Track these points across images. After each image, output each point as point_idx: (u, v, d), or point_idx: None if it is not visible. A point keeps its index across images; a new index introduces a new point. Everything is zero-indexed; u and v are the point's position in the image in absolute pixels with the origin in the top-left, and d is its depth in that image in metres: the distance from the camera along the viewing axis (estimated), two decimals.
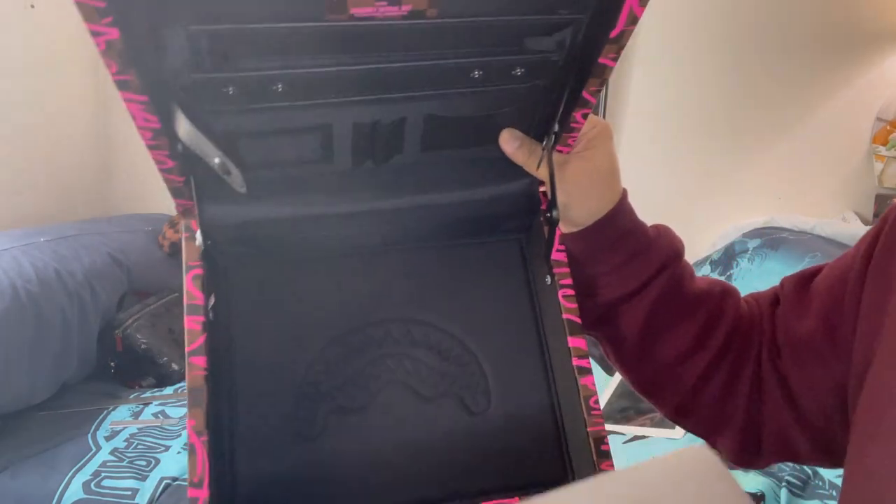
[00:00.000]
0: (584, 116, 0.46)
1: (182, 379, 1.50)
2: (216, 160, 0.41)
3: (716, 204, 2.04)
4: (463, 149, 0.50)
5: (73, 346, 1.39)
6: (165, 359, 1.51)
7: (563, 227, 0.51)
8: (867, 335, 0.44)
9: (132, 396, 1.40)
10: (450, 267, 0.53)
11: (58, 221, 1.80)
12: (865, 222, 1.96)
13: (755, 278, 1.62)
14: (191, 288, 0.44)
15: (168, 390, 1.45)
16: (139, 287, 1.69)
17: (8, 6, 1.71)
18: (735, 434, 0.54)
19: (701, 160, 2.03)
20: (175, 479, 1.09)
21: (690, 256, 2.15)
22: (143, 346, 1.50)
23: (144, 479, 1.08)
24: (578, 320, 0.48)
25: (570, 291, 0.49)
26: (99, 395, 1.42)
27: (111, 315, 1.54)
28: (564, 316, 0.48)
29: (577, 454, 0.48)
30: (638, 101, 2.00)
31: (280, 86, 0.40)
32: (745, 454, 0.55)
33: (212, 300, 0.45)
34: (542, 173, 0.49)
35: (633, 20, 0.39)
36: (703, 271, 1.79)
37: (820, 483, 1.04)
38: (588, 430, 0.46)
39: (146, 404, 1.35)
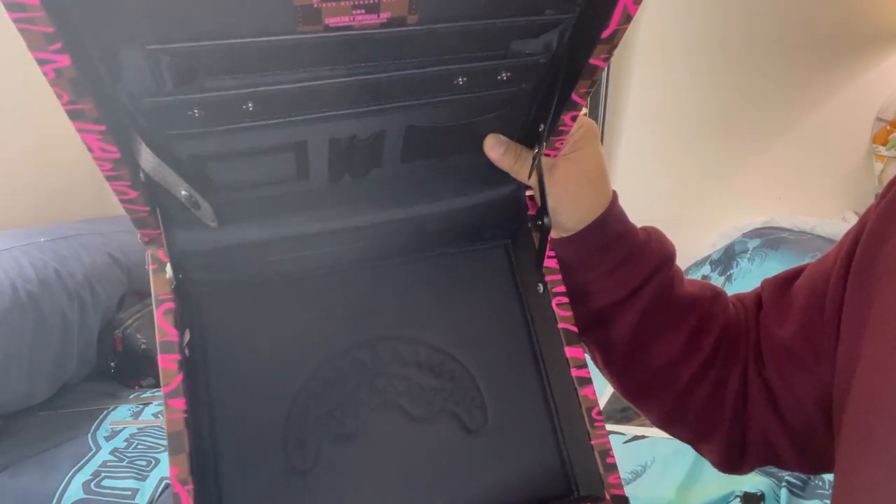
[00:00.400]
0: (573, 119, 0.45)
1: None
2: (183, 192, 0.39)
3: (716, 204, 2.04)
4: (444, 158, 0.48)
5: (73, 346, 1.39)
6: None
7: (553, 233, 0.50)
8: (851, 338, 0.43)
9: (132, 396, 1.40)
10: (434, 279, 0.51)
11: (58, 221, 1.80)
12: None
13: (755, 278, 1.62)
14: (163, 324, 0.41)
15: None
16: (139, 287, 1.68)
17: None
18: (721, 440, 0.54)
19: (701, 160, 2.03)
20: None
21: (690, 256, 2.15)
22: (143, 346, 1.50)
23: (144, 479, 1.08)
24: (575, 329, 0.47)
25: (564, 299, 0.48)
26: (99, 395, 1.42)
27: (111, 315, 1.54)
28: (560, 325, 0.47)
29: (582, 468, 0.46)
30: (637, 101, 2.00)
31: (250, 105, 0.37)
32: (730, 460, 0.55)
33: (186, 336, 0.42)
34: (530, 178, 0.48)
35: (627, 19, 0.37)
36: (703, 271, 1.79)
37: (820, 483, 1.04)
38: (592, 443, 0.44)
39: (146, 404, 1.35)
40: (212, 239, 0.43)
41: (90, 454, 1.15)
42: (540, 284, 0.49)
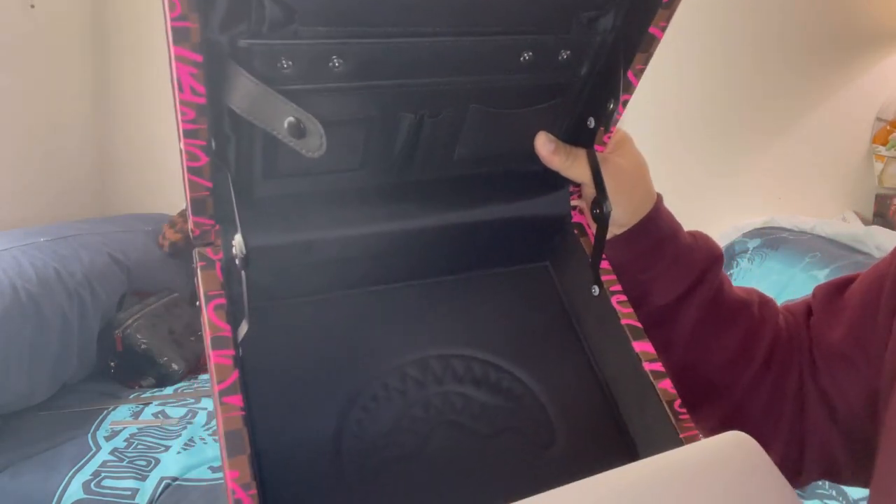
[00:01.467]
0: (624, 105, 0.45)
1: (181, 379, 1.51)
2: (289, 119, 0.35)
3: (716, 204, 2.04)
4: (495, 162, 0.49)
5: (73, 346, 1.39)
6: (165, 359, 1.51)
7: (591, 223, 0.49)
8: None
9: (132, 396, 1.40)
10: (480, 297, 0.50)
11: (58, 221, 1.80)
12: (865, 222, 1.96)
13: (755, 278, 1.62)
14: (215, 319, 0.38)
15: (168, 390, 1.45)
16: (139, 287, 1.68)
17: (8, 6, 1.71)
18: (778, 450, 0.52)
19: (701, 160, 2.03)
20: (175, 479, 1.09)
21: None
22: (143, 346, 1.50)
23: (144, 479, 1.08)
24: (639, 324, 0.45)
25: (623, 297, 0.47)
26: (99, 395, 1.42)
27: (111, 315, 1.54)
28: (623, 322, 0.45)
29: None
30: (637, 101, 2.00)
31: (336, 61, 0.37)
32: (786, 471, 0.54)
33: (243, 329, 0.39)
34: (580, 175, 0.48)
35: None
36: None
37: (820, 482, 1.04)
38: (682, 437, 0.41)
39: (146, 404, 1.35)
40: (262, 237, 0.42)
41: (90, 454, 1.15)
42: (595, 286, 0.48)
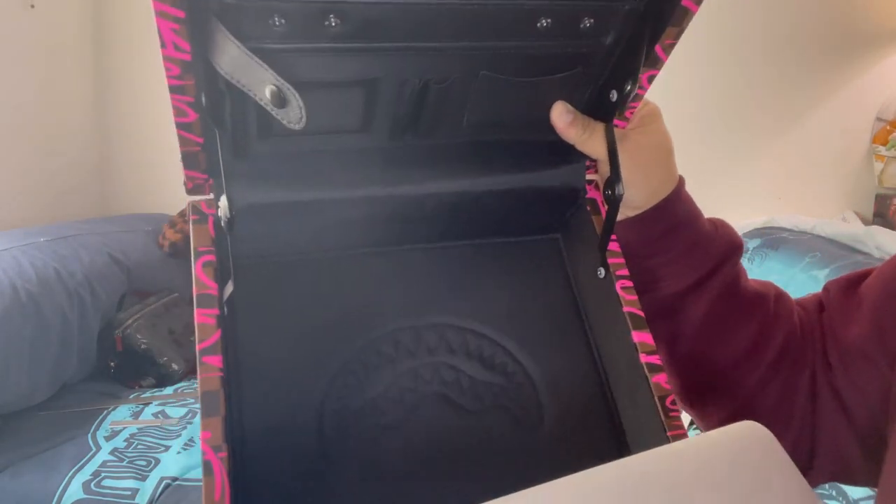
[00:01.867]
0: (650, 80, 0.42)
1: (181, 379, 1.51)
2: (270, 88, 0.33)
3: (716, 204, 2.04)
4: (506, 129, 0.45)
5: (73, 346, 1.39)
6: (165, 359, 1.51)
7: (620, 212, 0.47)
8: None
9: (132, 396, 1.40)
10: (484, 268, 0.47)
11: (58, 221, 1.80)
12: (865, 222, 1.96)
13: (755, 278, 1.62)
14: (202, 276, 0.38)
15: (168, 390, 1.45)
16: (139, 287, 1.68)
17: (8, 6, 1.71)
18: (787, 448, 0.51)
19: (701, 160, 2.03)
20: (175, 479, 1.09)
21: None
22: (143, 346, 1.50)
23: (144, 479, 1.08)
24: (641, 313, 0.43)
25: (629, 283, 0.45)
26: (99, 395, 1.42)
27: (111, 315, 1.54)
28: (625, 309, 0.44)
29: None
30: None
31: (333, 19, 0.34)
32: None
33: (228, 289, 0.38)
34: (596, 150, 0.44)
35: None
36: None
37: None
38: (669, 434, 0.40)
39: (146, 404, 1.35)
40: (259, 194, 0.40)
41: (90, 454, 1.15)
42: (601, 268, 0.46)
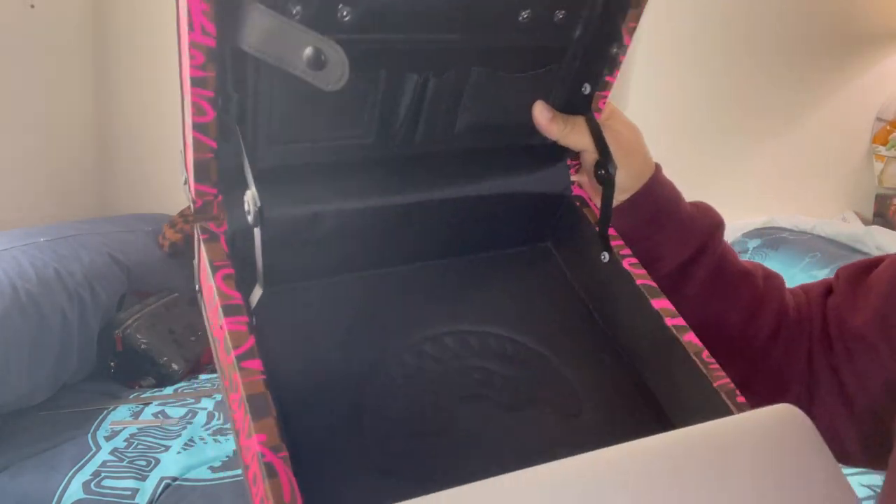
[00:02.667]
0: (617, 67, 0.46)
1: (181, 379, 1.51)
2: (308, 51, 0.33)
3: (716, 204, 2.03)
4: (495, 132, 0.49)
5: (73, 346, 1.39)
6: (165, 359, 1.51)
7: (594, 196, 0.50)
8: None
9: (132, 396, 1.40)
10: (486, 278, 0.50)
11: (57, 221, 1.80)
12: (865, 222, 1.96)
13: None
14: (224, 288, 0.37)
15: (168, 390, 1.45)
16: (139, 287, 1.68)
17: (8, 6, 1.71)
18: None
19: (701, 160, 2.03)
20: (175, 479, 1.09)
21: None
22: (143, 346, 1.50)
23: (144, 479, 1.08)
24: (654, 284, 0.45)
25: (634, 259, 0.46)
26: (99, 395, 1.42)
27: (111, 315, 1.54)
28: (639, 283, 0.45)
29: (698, 417, 0.40)
30: (637, 101, 2.00)
31: (345, 11, 0.36)
32: None
33: (257, 293, 0.37)
34: (580, 142, 0.48)
35: None
36: None
37: None
38: (715, 385, 0.40)
39: (146, 404, 1.35)
40: (272, 209, 0.40)
41: (90, 454, 1.15)
42: (604, 253, 0.48)
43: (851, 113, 1.96)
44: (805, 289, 0.56)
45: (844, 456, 0.52)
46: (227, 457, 1.15)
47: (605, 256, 0.47)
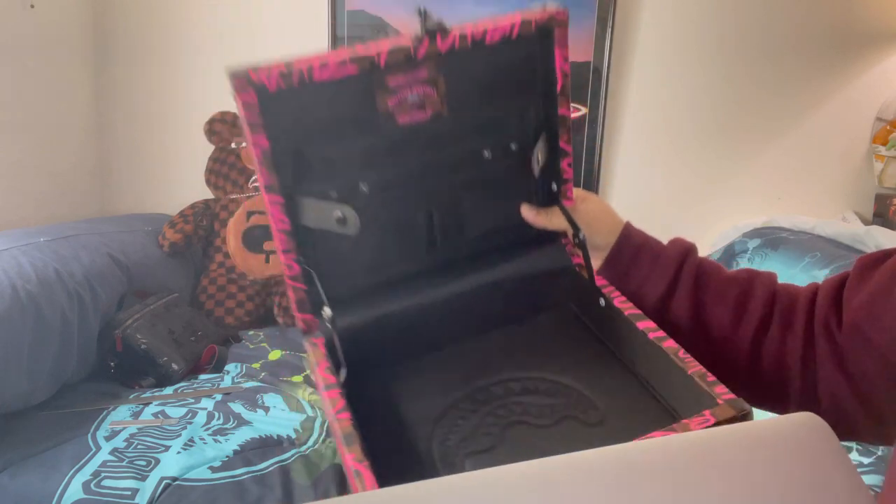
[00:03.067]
0: (570, 165, 0.63)
1: (181, 379, 1.51)
2: (337, 214, 0.55)
3: (716, 204, 2.04)
4: (498, 234, 0.66)
5: (73, 346, 1.39)
6: (165, 359, 1.51)
7: (593, 259, 0.63)
8: None
9: (132, 396, 1.40)
10: (521, 342, 0.65)
11: (58, 221, 1.80)
12: (865, 222, 1.96)
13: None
14: (324, 375, 0.54)
15: (168, 390, 1.45)
16: (139, 287, 1.68)
17: (8, 6, 1.71)
18: (794, 408, 0.59)
19: (701, 160, 2.03)
20: (175, 479, 1.09)
21: None
22: (143, 346, 1.50)
23: (144, 479, 1.08)
24: (639, 311, 0.58)
25: (622, 298, 0.60)
26: (99, 395, 1.42)
27: (111, 315, 1.54)
28: (627, 313, 0.58)
29: (690, 395, 0.52)
30: (637, 102, 2.00)
31: (364, 185, 0.57)
32: None
33: (342, 374, 0.55)
34: (561, 224, 0.63)
35: (565, 76, 0.59)
36: None
37: None
38: (689, 372, 0.52)
39: (146, 404, 1.35)
40: (350, 316, 0.60)
41: (90, 454, 1.15)
42: (601, 299, 0.61)
43: (851, 113, 1.96)
44: (827, 280, 0.62)
45: (855, 432, 0.58)
46: (227, 457, 1.15)
47: (602, 301, 0.61)
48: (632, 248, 0.63)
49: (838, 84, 1.95)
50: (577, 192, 0.66)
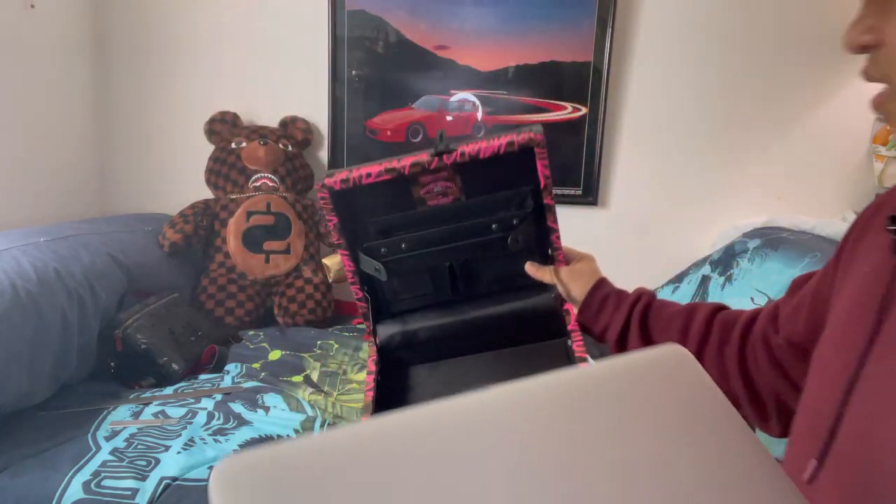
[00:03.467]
0: (558, 238, 0.85)
1: (181, 379, 1.51)
2: (375, 265, 0.84)
3: (716, 204, 2.04)
4: (508, 281, 0.90)
5: (73, 346, 1.39)
6: (165, 359, 1.51)
7: (573, 308, 0.85)
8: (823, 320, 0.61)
9: (132, 396, 1.40)
10: (515, 362, 0.89)
11: (57, 221, 1.80)
12: None
13: (755, 278, 1.62)
14: (370, 365, 0.84)
15: (168, 390, 1.45)
16: (139, 287, 1.69)
17: (8, 6, 1.71)
18: (749, 408, 0.73)
19: (701, 160, 2.03)
20: (175, 480, 1.09)
21: (690, 256, 2.13)
22: (143, 346, 1.50)
23: (144, 479, 1.08)
24: (581, 347, 0.83)
25: (580, 341, 0.83)
26: (99, 395, 1.42)
27: (111, 315, 1.54)
28: (575, 347, 0.83)
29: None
30: (637, 102, 2.00)
31: (404, 245, 0.84)
32: (765, 425, 0.73)
33: (377, 366, 0.85)
34: (550, 279, 0.85)
35: (547, 178, 0.81)
36: (704, 271, 1.79)
37: None
38: (577, 355, 0.81)
39: (146, 404, 1.35)
40: (393, 328, 0.89)
41: (90, 454, 1.15)
42: (568, 340, 0.84)
43: (851, 113, 1.96)
44: (774, 300, 0.80)
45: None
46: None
47: (570, 342, 0.84)
48: (599, 298, 0.82)
49: (838, 84, 1.95)
50: (575, 254, 0.87)
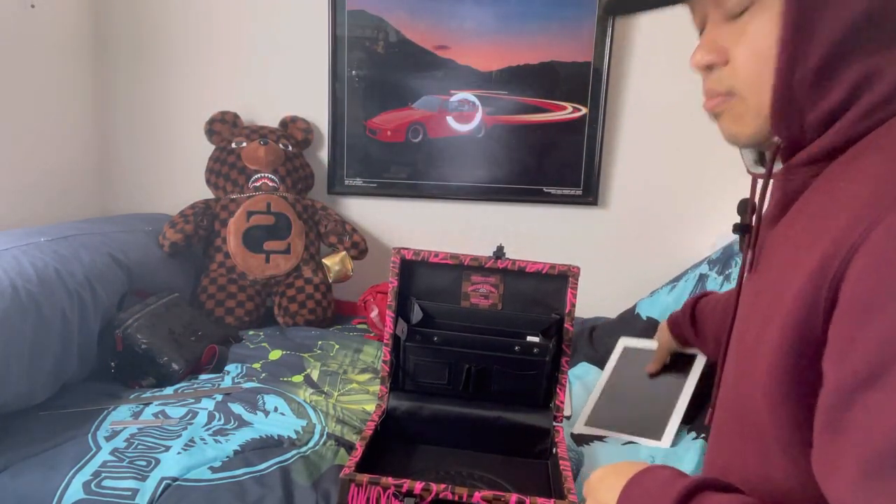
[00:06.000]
0: (561, 390, 1.11)
1: (181, 379, 1.51)
2: (402, 328, 1.06)
3: (716, 204, 2.04)
4: (515, 394, 1.13)
5: (73, 346, 1.39)
6: (165, 359, 1.51)
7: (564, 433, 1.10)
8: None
9: (132, 396, 1.41)
10: (499, 464, 1.10)
11: (58, 221, 1.80)
12: None
13: None
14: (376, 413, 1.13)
15: (168, 390, 1.45)
16: (139, 287, 1.69)
17: (8, 6, 1.71)
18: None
19: (701, 160, 2.03)
20: (175, 480, 1.09)
21: (690, 256, 2.13)
22: (143, 346, 1.50)
23: (144, 479, 1.08)
24: (568, 472, 1.00)
25: (567, 462, 1.02)
26: (99, 395, 1.42)
27: (111, 315, 1.54)
28: (561, 467, 1.01)
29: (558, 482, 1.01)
30: (637, 102, 2.00)
31: (436, 338, 1.10)
32: None
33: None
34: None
35: (573, 305, 1.07)
36: (702, 271, 1.79)
37: None
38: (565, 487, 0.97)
39: (146, 404, 1.35)
40: (403, 399, 1.14)
41: (90, 454, 1.15)
42: (549, 462, 1.06)
43: None
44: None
45: None
46: (228, 457, 1.15)
47: (554, 450, 1.07)
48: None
49: None
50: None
